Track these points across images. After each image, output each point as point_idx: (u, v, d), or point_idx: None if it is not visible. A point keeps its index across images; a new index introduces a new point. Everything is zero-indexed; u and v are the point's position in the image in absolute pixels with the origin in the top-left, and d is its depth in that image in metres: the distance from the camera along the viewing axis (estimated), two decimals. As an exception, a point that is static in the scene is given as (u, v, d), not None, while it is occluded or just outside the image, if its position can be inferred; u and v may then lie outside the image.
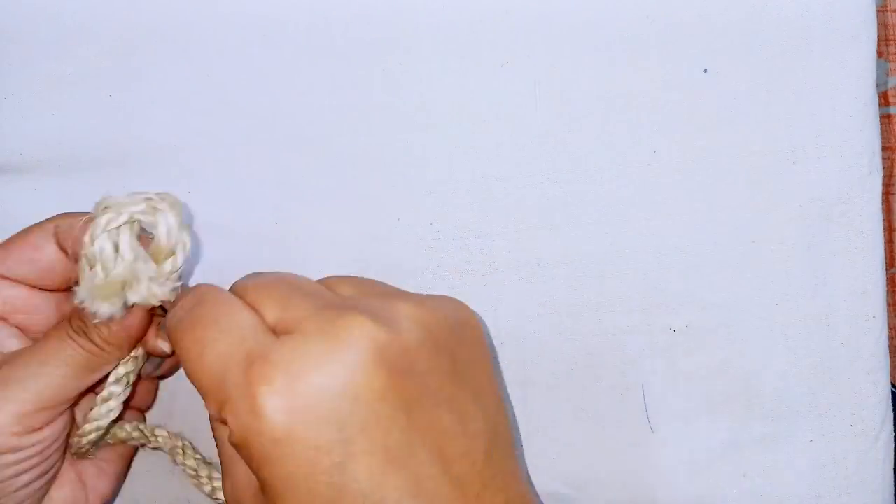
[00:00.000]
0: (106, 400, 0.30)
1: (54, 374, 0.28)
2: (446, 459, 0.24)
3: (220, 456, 0.26)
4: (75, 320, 0.29)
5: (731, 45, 0.35)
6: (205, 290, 0.26)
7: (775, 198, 0.36)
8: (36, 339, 0.30)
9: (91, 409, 0.30)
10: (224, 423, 0.23)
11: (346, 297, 0.26)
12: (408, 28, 0.36)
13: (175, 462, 0.33)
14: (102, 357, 0.29)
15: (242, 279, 0.27)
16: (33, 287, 0.30)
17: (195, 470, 0.32)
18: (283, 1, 0.36)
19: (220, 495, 0.32)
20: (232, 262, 0.35)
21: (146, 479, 0.36)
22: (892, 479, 0.36)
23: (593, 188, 0.36)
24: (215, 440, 0.26)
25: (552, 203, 0.36)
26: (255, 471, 0.23)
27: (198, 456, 0.33)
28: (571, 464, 0.36)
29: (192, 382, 0.24)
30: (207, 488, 0.32)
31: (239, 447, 0.23)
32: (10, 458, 0.28)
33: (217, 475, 0.33)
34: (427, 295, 0.27)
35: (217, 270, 0.35)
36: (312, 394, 0.22)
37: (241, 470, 0.25)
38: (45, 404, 0.28)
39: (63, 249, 0.30)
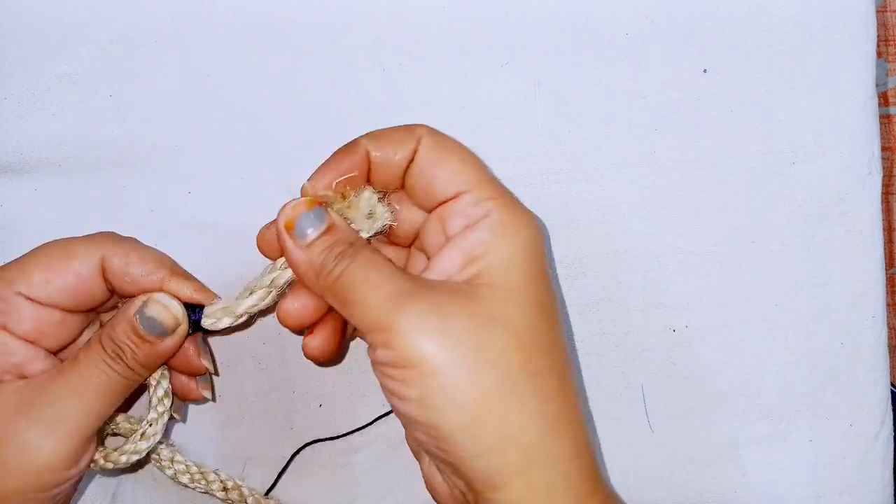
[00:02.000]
0: (152, 424, 0.31)
1: (94, 402, 0.28)
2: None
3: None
4: (108, 343, 0.28)
5: (731, 46, 0.35)
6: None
7: (775, 198, 0.36)
8: (63, 359, 0.30)
9: (134, 433, 0.31)
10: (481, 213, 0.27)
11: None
12: (408, 28, 0.36)
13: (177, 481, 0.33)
14: (134, 379, 0.29)
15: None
16: (65, 310, 0.30)
17: (191, 475, 0.33)
18: (283, 1, 0.36)
19: (220, 493, 0.33)
20: (232, 262, 0.35)
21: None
22: (892, 479, 0.36)
23: (593, 188, 0.36)
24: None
25: (552, 203, 0.36)
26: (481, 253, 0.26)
27: (191, 463, 0.33)
28: (571, 464, 0.36)
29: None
30: (216, 486, 0.33)
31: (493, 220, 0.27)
32: (60, 489, 0.28)
33: (213, 476, 0.33)
34: None
35: (217, 270, 0.35)
36: (541, 246, 0.27)
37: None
38: (90, 434, 0.28)
39: (109, 284, 0.30)
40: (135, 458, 0.31)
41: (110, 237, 0.30)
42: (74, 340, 0.31)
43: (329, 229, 0.27)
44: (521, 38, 0.36)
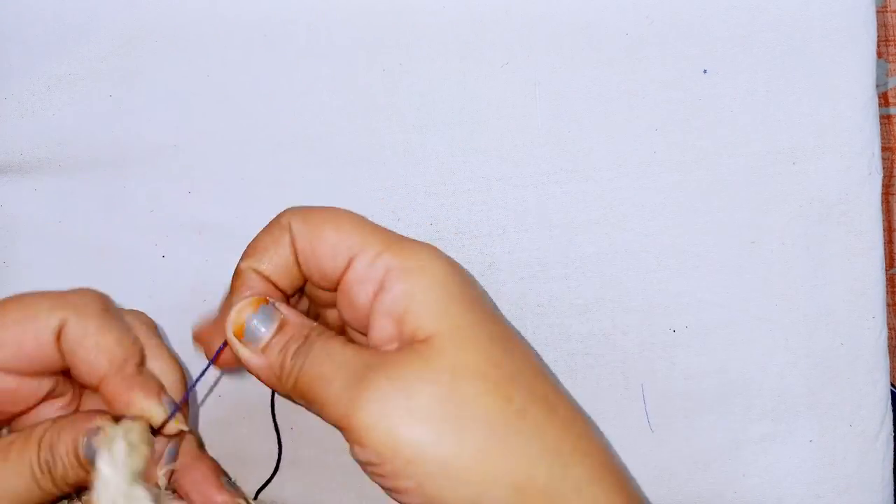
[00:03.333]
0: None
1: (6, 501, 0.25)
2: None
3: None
4: (44, 452, 0.25)
5: (731, 46, 0.35)
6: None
7: (775, 198, 0.36)
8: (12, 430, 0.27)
9: None
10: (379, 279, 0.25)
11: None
12: (408, 28, 0.36)
13: None
14: (56, 495, 0.25)
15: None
16: (22, 375, 0.26)
17: None
18: (283, 1, 0.36)
19: None
20: (232, 263, 0.35)
21: None
22: (892, 479, 0.36)
23: (593, 188, 0.36)
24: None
25: (552, 203, 0.36)
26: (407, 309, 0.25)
27: None
28: (571, 464, 0.36)
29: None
30: None
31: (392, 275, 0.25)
32: None
33: None
34: None
35: (217, 270, 0.35)
36: (459, 272, 0.26)
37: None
38: None
39: (60, 350, 0.26)
40: None
41: (80, 297, 0.27)
42: (31, 408, 0.27)
43: (282, 327, 0.26)
44: (521, 38, 0.36)
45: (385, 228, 0.27)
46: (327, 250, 0.26)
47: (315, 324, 0.26)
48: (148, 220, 0.36)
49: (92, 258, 0.36)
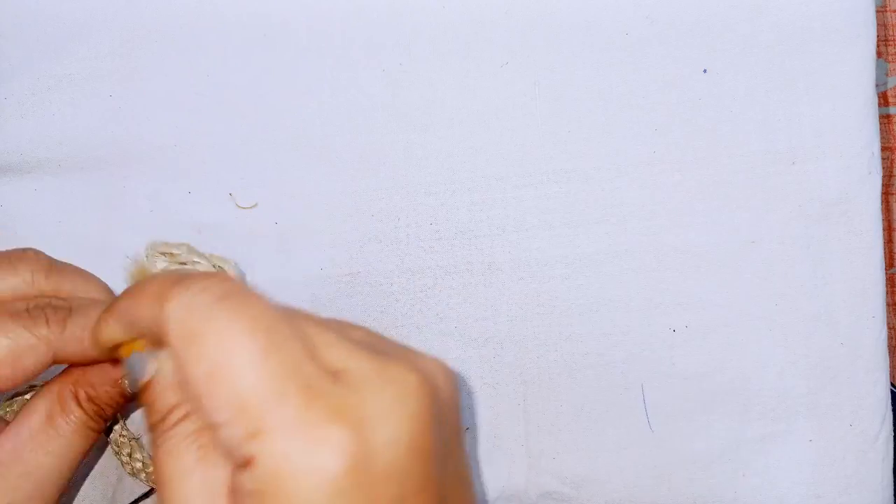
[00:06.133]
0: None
1: (74, 464, 0.27)
2: None
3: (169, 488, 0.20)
4: (91, 406, 0.27)
5: (730, 46, 0.35)
6: (234, 286, 0.21)
7: (775, 198, 0.36)
8: None
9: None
10: (242, 458, 0.19)
11: (371, 342, 0.23)
12: (408, 28, 0.36)
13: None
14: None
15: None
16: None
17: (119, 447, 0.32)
18: (283, 1, 0.36)
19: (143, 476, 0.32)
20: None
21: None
22: (892, 479, 0.36)
23: (593, 188, 0.36)
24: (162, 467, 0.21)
25: (552, 203, 0.36)
26: None
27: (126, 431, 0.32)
28: (571, 463, 0.36)
29: (210, 390, 0.19)
30: (138, 465, 0.31)
31: (264, 491, 0.19)
32: None
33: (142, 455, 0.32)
34: (421, 351, 0.24)
35: (217, 270, 0.35)
36: (382, 445, 0.19)
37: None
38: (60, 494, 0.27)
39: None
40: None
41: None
42: None
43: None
44: (521, 38, 0.36)
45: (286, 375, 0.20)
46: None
47: None
48: (148, 220, 0.36)
49: (92, 258, 0.36)
